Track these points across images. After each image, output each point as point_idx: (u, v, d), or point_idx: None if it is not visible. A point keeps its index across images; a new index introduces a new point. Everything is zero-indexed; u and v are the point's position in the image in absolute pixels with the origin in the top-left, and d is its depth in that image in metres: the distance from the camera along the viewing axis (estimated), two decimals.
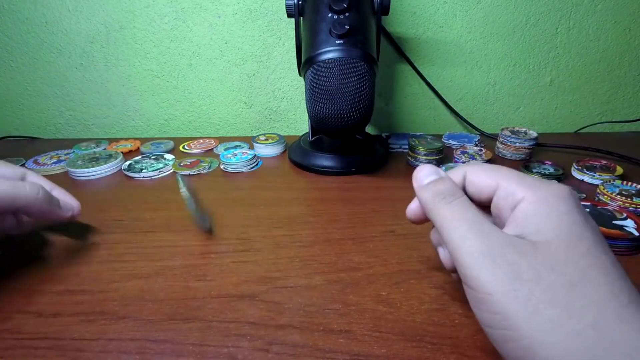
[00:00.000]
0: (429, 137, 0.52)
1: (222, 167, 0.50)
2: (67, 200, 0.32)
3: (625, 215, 0.34)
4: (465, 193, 0.22)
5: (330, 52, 0.40)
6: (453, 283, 0.27)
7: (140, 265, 0.30)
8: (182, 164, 0.50)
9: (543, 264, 0.17)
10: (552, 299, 0.16)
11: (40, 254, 0.32)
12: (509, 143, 0.52)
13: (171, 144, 0.59)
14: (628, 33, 0.61)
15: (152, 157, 0.53)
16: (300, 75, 0.45)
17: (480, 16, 0.60)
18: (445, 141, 0.58)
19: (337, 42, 0.40)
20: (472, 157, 0.48)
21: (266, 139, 0.56)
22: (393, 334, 0.23)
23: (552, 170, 0.46)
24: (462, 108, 0.65)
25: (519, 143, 0.51)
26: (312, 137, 0.53)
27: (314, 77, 0.40)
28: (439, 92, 0.63)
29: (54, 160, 0.52)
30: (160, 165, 0.49)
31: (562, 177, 0.45)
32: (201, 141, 0.61)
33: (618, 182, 0.41)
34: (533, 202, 0.19)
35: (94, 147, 0.57)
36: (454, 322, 0.24)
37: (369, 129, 0.67)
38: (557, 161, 0.48)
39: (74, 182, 0.47)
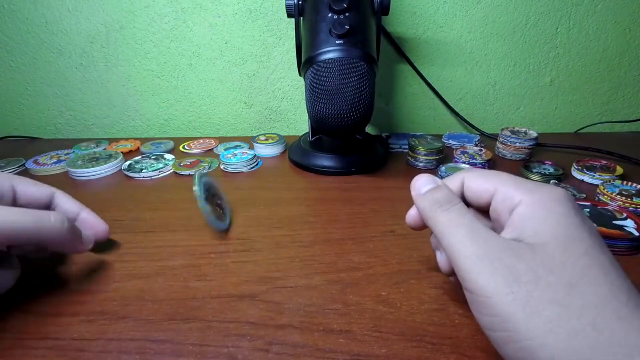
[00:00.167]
0: (429, 137, 0.52)
1: (222, 167, 0.50)
2: (95, 223, 0.30)
3: (625, 215, 0.34)
4: (464, 199, 0.23)
5: (330, 52, 0.40)
6: (453, 283, 0.27)
7: (140, 265, 0.30)
8: (182, 164, 0.50)
9: (541, 266, 0.17)
10: (551, 300, 0.16)
11: (39, 254, 0.32)
12: (509, 143, 0.52)
13: (171, 144, 0.59)
14: (628, 33, 0.61)
15: (152, 157, 0.53)
16: (300, 75, 0.45)
17: (480, 16, 0.60)
18: (445, 141, 0.58)
19: (337, 42, 0.40)
20: (472, 157, 0.48)
21: (266, 139, 0.56)
22: (393, 334, 0.23)
23: (552, 170, 0.46)
24: (462, 108, 0.65)
25: (519, 143, 0.51)
26: (312, 137, 0.53)
27: (314, 77, 0.40)
28: (439, 92, 0.63)
29: (54, 160, 0.52)
30: (160, 165, 0.49)
31: (562, 177, 0.45)
32: (201, 141, 0.61)
33: (618, 182, 0.41)
34: (530, 205, 0.19)
35: (94, 147, 0.57)
36: (454, 322, 0.24)
37: (369, 129, 0.67)
38: (557, 161, 0.48)
39: (74, 182, 0.47)
